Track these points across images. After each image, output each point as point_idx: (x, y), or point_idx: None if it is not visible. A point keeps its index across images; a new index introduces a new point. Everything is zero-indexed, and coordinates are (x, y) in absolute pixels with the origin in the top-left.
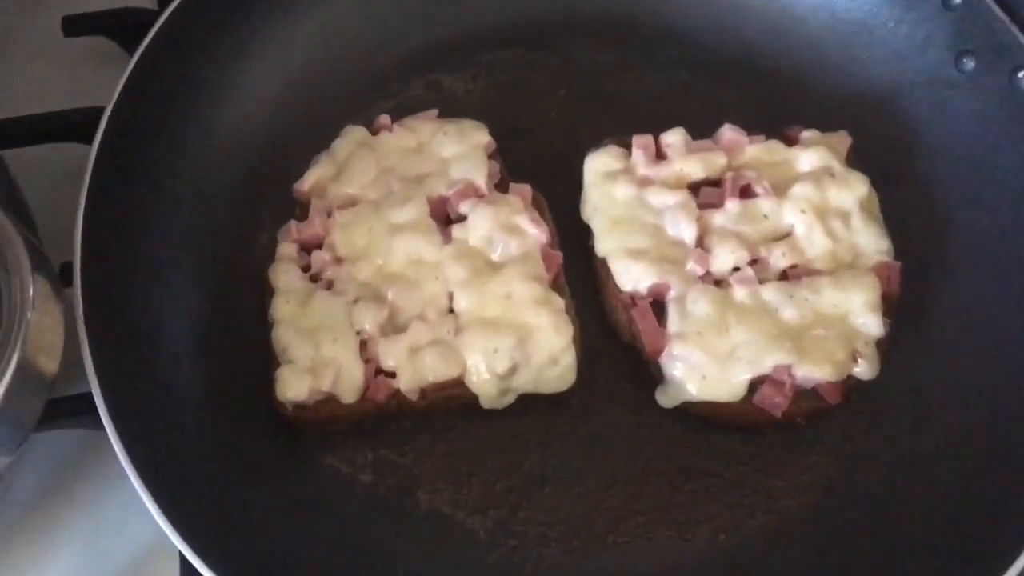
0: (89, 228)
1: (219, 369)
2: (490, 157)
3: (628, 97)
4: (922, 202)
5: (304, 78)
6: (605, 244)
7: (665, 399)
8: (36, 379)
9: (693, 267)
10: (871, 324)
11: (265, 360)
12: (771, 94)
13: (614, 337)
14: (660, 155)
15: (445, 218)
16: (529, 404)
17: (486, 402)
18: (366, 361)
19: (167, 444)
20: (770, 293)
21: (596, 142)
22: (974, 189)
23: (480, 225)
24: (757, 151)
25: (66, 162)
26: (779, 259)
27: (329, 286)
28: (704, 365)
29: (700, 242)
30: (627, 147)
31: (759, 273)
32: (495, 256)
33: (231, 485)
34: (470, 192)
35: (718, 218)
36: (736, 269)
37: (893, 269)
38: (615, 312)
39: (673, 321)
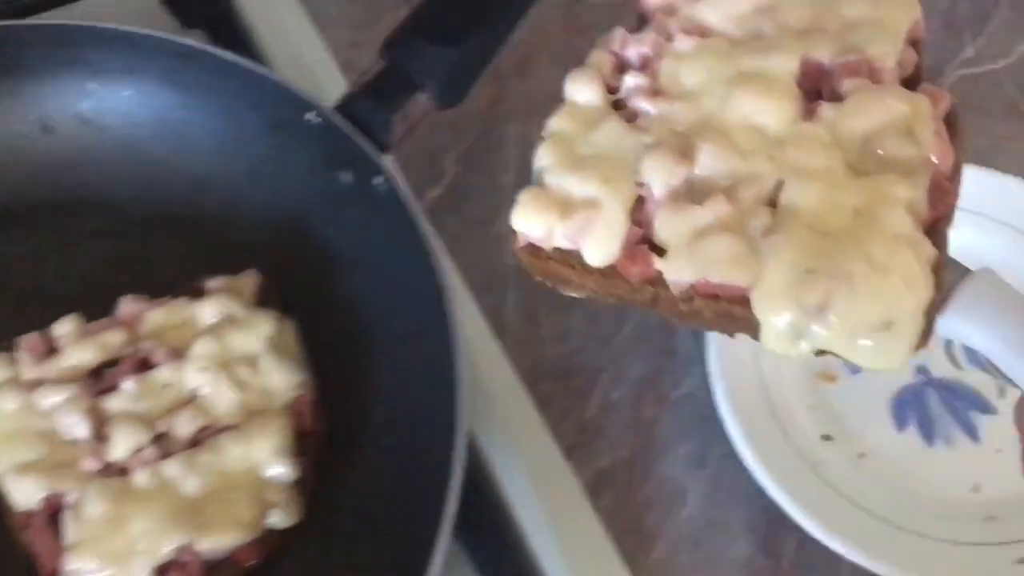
0: None
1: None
2: (912, 44)
3: (51, 285)
4: (346, 320)
5: None
6: None
7: None
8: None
9: (89, 464)
10: (280, 470)
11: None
12: (193, 245)
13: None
14: (55, 349)
15: (814, 92)
16: None
17: (769, 338)
18: (635, 223)
19: None
20: (172, 468)
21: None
22: (387, 296)
23: (864, 113)
24: (159, 316)
25: None
26: (185, 426)
27: (631, 119)
28: (103, 570)
29: (100, 434)
30: (11, 350)
31: (167, 447)
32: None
33: None
34: (864, 70)
35: (116, 402)
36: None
37: (305, 403)
38: (19, 533)
39: (70, 531)
